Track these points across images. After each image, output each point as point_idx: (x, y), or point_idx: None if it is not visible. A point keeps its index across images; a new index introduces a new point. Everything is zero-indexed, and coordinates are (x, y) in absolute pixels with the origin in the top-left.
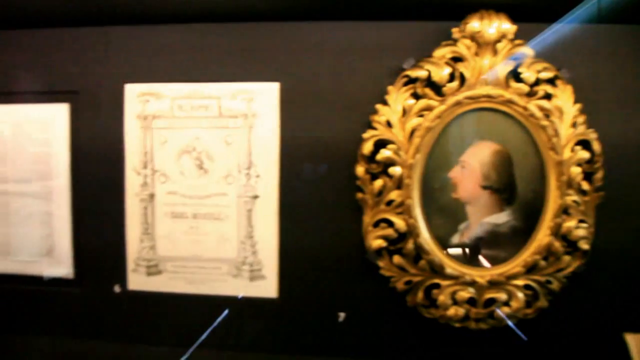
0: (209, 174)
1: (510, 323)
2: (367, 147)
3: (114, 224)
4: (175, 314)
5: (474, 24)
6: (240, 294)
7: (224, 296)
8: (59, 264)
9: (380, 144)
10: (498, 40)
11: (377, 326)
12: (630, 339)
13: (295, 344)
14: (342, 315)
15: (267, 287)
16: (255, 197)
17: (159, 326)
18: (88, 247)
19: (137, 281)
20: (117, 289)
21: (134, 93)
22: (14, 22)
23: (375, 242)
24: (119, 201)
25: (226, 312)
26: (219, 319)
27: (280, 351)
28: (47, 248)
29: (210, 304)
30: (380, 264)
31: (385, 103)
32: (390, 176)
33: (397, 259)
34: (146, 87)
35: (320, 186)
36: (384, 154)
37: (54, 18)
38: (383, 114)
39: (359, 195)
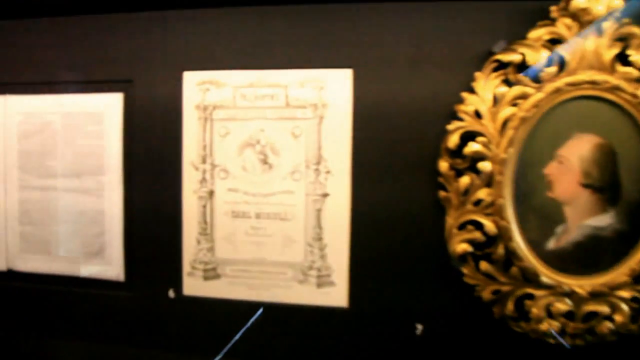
0: (274, 169)
1: (611, 340)
2: (453, 140)
3: (169, 223)
4: (234, 322)
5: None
6: (307, 301)
7: (288, 304)
8: (109, 265)
9: (467, 136)
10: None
11: (459, 340)
12: None
13: (367, 359)
14: (419, 327)
15: (337, 295)
16: (325, 195)
17: (216, 335)
18: (141, 247)
19: (193, 286)
20: (171, 293)
21: (192, 81)
22: (66, 8)
23: (460, 247)
24: (175, 199)
25: (260, 312)
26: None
27: None
28: (97, 248)
29: (273, 312)
30: (464, 270)
31: (472, 91)
32: (478, 172)
33: (484, 265)
34: (206, 74)
35: (397, 184)
36: (473, 147)
37: (108, 3)
38: (470, 103)
39: (442, 193)
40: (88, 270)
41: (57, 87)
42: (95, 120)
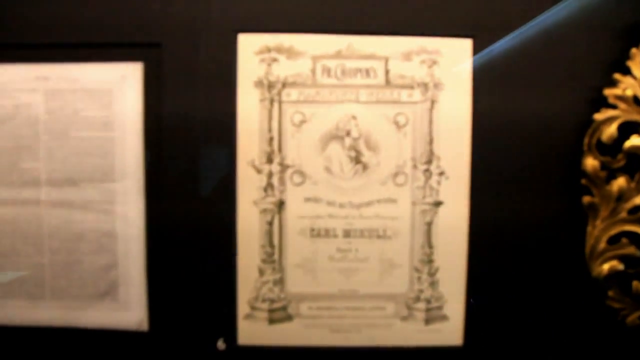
0: (370, 171)
1: None
2: (609, 133)
3: (216, 248)
4: None
5: None
6: (412, 342)
7: (387, 347)
8: (126, 310)
9: (623, 128)
10: None
11: None
12: None
13: None
14: None
15: (450, 332)
16: (438, 204)
17: None
18: (172, 283)
19: (254, 332)
20: (220, 344)
21: (252, 48)
22: None
23: (608, 264)
24: (225, 214)
25: None
26: None
27: None
28: (105, 286)
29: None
30: (610, 292)
31: (626, 72)
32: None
33: (637, 285)
34: (272, 39)
35: (527, 188)
36: (635, 142)
37: None
38: (626, 86)
39: (587, 199)
40: (94, 318)
41: (39, 52)
42: (101, 101)
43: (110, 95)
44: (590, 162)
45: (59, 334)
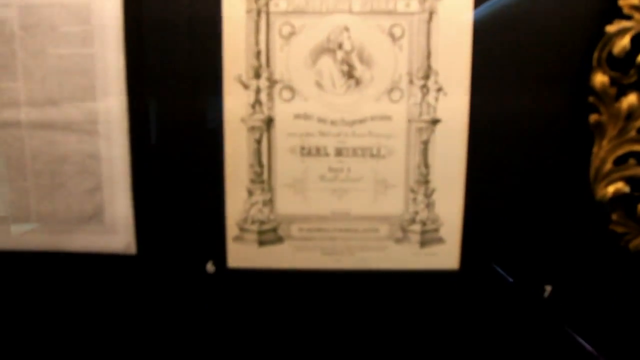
0: (363, 86)
1: None
2: (621, 45)
3: (203, 168)
4: (304, 302)
5: None
6: (406, 265)
7: (380, 271)
8: (113, 233)
9: (636, 41)
10: None
11: (596, 299)
12: None
13: (483, 334)
14: (548, 289)
15: (446, 255)
16: (435, 122)
17: (277, 321)
18: (159, 205)
19: (243, 254)
20: (209, 267)
21: None
22: None
23: (613, 186)
24: (212, 132)
25: None
26: None
27: (460, 347)
28: (91, 209)
29: (360, 283)
30: (613, 216)
31: None
32: None
33: None
34: None
35: (530, 109)
36: None
37: None
38: None
39: (594, 117)
40: (81, 242)
41: None
42: (79, 15)
43: (88, 8)
44: (600, 78)
45: (47, 258)
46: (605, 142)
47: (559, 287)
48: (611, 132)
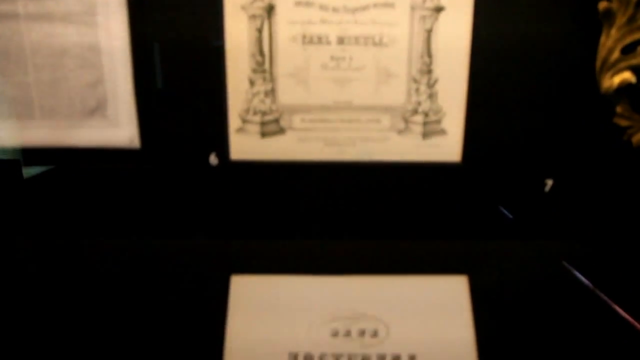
0: None
1: None
2: None
3: (204, 57)
4: (306, 193)
5: None
6: (408, 157)
7: (382, 162)
8: (116, 127)
9: None
10: None
11: (598, 193)
12: None
13: (483, 227)
14: (549, 183)
15: (448, 147)
16: (439, 9)
17: (279, 213)
18: (162, 97)
19: (245, 146)
20: (212, 159)
21: None
22: None
23: (620, 76)
24: (212, 20)
25: None
26: None
27: (460, 236)
28: (94, 102)
29: (361, 174)
30: (618, 109)
31: None
32: None
33: None
34: None
35: None
36: None
37: None
38: None
39: (603, 4)
40: (84, 137)
41: None
42: None
43: None
44: None
45: (51, 154)
46: (613, 31)
47: (560, 182)
48: (620, 19)
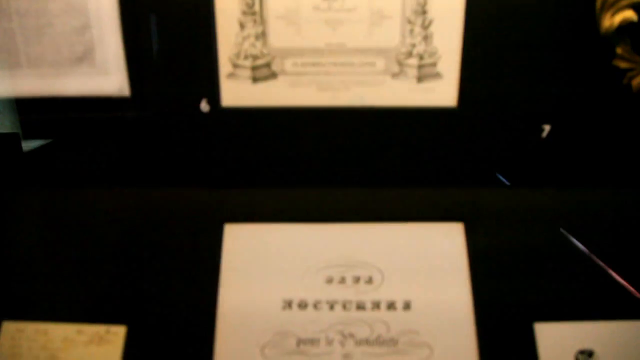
0: None
1: None
2: None
3: (196, 1)
4: (299, 140)
5: None
6: (402, 102)
7: (376, 107)
8: (105, 74)
9: None
10: None
11: (595, 139)
12: None
13: (477, 171)
14: (546, 128)
15: (444, 91)
16: None
17: (271, 160)
18: (150, 43)
19: (236, 92)
20: (203, 106)
21: None
22: None
23: (621, 14)
24: None
25: None
26: None
27: (456, 184)
28: (81, 49)
29: (355, 119)
30: (618, 50)
31: None
32: None
33: None
34: None
35: None
36: None
37: None
38: None
39: None
40: (72, 86)
41: None
42: None
43: None
44: None
45: (40, 104)
46: None
47: (557, 127)
48: None
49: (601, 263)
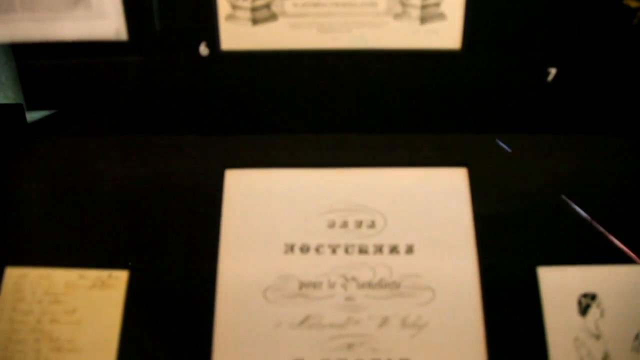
0: None
1: None
2: None
3: None
4: (300, 83)
5: None
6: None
7: (378, 50)
8: (101, 18)
9: None
10: None
11: (601, 80)
12: None
13: (483, 117)
14: (552, 71)
15: (447, 33)
16: None
17: (271, 104)
18: None
19: (237, 34)
20: (202, 49)
21: None
22: None
23: None
24: None
25: None
26: None
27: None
28: None
29: (357, 62)
30: None
31: None
32: None
33: None
34: None
35: None
36: None
37: None
38: None
39: None
40: (68, 30)
41: None
42: None
43: None
44: None
45: (36, 49)
46: None
47: (563, 70)
48: None
49: (601, 228)
